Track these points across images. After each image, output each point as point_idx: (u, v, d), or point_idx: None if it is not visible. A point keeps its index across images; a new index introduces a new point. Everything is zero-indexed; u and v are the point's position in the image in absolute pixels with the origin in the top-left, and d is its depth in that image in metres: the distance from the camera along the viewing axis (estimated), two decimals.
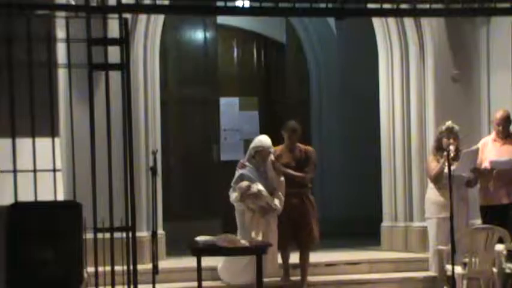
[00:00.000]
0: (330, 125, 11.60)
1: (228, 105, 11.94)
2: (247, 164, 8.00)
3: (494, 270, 7.59)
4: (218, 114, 11.42)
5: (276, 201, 7.91)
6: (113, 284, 5.95)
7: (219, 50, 11.63)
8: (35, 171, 5.79)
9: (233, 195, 7.91)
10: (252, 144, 8.07)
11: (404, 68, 9.52)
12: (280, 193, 7.99)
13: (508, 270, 7.42)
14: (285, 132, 8.32)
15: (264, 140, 8.03)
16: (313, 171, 8.40)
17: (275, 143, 8.19)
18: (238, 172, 8.00)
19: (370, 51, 9.89)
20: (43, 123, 5.87)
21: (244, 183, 7.82)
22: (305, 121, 11.89)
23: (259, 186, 7.82)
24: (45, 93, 5.82)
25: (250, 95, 12.27)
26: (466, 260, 7.54)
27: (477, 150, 8.19)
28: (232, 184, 7.97)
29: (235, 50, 12.19)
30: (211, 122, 11.30)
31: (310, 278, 8.36)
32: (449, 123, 8.23)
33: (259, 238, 7.74)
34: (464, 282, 7.60)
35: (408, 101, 9.49)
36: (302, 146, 8.40)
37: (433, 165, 8.25)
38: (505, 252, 7.46)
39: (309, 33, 11.90)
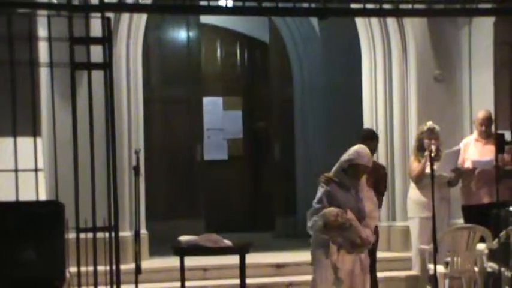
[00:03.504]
0: (313, 124, 11.58)
1: (212, 105, 11.95)
2: (334, 179, 6.38)
3: (476, 269, 7.62)
4: (201, 114, 11.42)
5: (368, 232, 6.29)
6: (95, 284, 5.93)
7: (203, 50, 11.65)
8: (16, 170, 5.77)
9: (314, 221, 6.21)
10: (346, 156, 6.39)
11: (387, 68, 9.52)
12: (371, 221, 6.37)
13: (489, 269, 7.46)
14: (361, 142, 6.82)
15: (362, 152, 6.38)
16: (384, 192, 7.45)
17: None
18: (322, 188, 6.32)
19: (353, 51, 9.89)
20: (25, 123, 5.85)
21: (333, 211, 6.15)
22: (289, 120, 11.91)
23: (349, 215, 6.17)
24: (27, 92, 5.80)
25: (233, 95, 12.29)
26: (448, 259, 7.57)
27: (459, 150, 8.22)
28: (313, 204, 6.30)
29: (219, 49, 12.21)
30: (195, 121, 11.29)
31: (293, 278, 8.34)
32: (430, 123, 8.23)
33: (341, 277, 6.24)
34: (446, 281, 7.63)
35: (391, 100, 9.50)
36: (375, 161, 7.28)
37: (415, 165, 8.26)
38: (486, 251, 7.51)
39: (292, 33, 11.90)
